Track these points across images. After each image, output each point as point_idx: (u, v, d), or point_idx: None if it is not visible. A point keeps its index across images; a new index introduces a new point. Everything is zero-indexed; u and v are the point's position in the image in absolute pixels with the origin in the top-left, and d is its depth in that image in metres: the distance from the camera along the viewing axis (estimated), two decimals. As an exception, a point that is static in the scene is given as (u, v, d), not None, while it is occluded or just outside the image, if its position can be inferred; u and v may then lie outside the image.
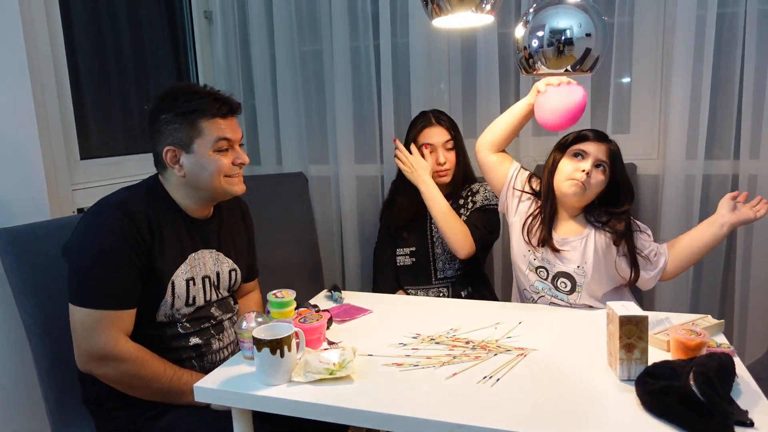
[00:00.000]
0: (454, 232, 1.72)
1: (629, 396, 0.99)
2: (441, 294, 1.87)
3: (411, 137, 1.86)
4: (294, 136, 2.38)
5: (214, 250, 1.37)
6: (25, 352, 1.37)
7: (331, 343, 1.26)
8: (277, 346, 1.05)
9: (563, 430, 0.89)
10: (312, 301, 1.55)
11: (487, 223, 1.78)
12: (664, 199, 1.95)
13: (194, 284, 1.30)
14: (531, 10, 1.29)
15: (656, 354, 1.14)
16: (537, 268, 1.52)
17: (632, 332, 1.03)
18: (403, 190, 1.88)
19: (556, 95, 1.36)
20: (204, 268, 1.33)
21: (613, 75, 1.99)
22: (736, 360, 1.08)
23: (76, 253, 1.20)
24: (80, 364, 1.20)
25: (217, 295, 1.38)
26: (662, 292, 1.98)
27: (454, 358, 1.16)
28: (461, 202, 1.86)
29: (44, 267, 1.34)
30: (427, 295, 1.87)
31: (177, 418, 1.23)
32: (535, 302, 1.55)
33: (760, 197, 1.44)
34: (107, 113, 2.02)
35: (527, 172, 1.60)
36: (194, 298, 1.30)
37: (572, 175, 1.42)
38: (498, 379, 1.06)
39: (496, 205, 1.77)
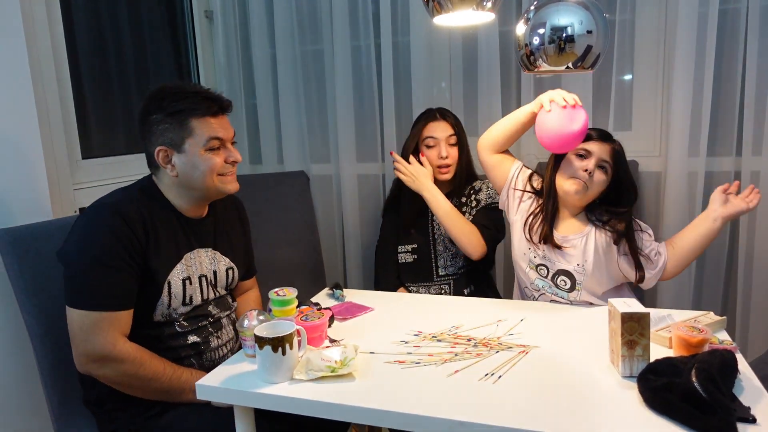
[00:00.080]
0: (465, 235, 1.72)
1: (631, 393, 0.99)
2: (443, 291, 1.87)
3: (415, 132, 1.86)
4: (295, 136, 2.38)
5: (210, 249, 1.38)
6: (27, 353, 1.37)
7: (332, 340, 1.26)
8: (278, 344, 1.05)
9: (565, 427, 0.89)
10: (314, 299, 1.55)
11: (495, 222, 1.78)
12: (666, 197, 1.95)
13: (191, 283, 1.30)
14: (532, 7, 1.29)
15: (658, 351, 1.13)
16: (537, 266, 1.52)
17: (634, 329, 1.03)
18: (407, 188, 1.88)
19: (558, 118, 1.33)
20: (200, 267, 1.34)
21: (615, 72, 1.99)
22: (739, 357, 1.07)
23: (71, 256, 1.20)
24: (79, 366, 1.20)
25: (215, 294, 1.38)
26: (664, 290, 1.97)
27: (456, 355, 1.16)
28: (463, 200, 1.86)
29: (45, 267, 1.34)
30: (429, 293, 1.87)
31: (178, 417, 1.23)
32: (536, 300, 1.55)
33: (752, 186, 1.44)
34: (108, 113, 2.03)
35: (528, 171, 1.60)
36: (191, 298, 1.30)
37: (575, 174, 1.42)
38: (500, 377, 1.06)
39: None
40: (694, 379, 0.93)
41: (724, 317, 1.28)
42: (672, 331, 1.13)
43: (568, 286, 1.48)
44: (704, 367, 0.94)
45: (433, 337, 1.27)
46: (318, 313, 1.26)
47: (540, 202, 1.52)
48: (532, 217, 1.52)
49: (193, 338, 1.30)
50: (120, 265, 1.18)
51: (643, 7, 1.95)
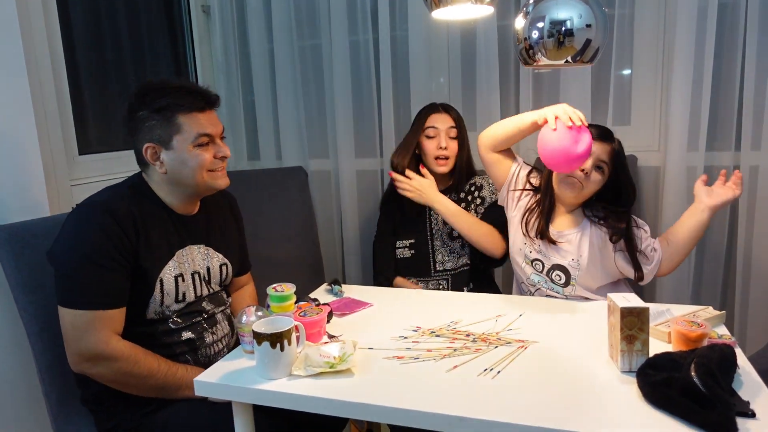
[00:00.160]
0: (485, 236, 1.71)
1: (630, 388, 0.99)
2: (440, 287, 1.87)
3: (417, 124, 1.86)
4: (293, 131, 2.38)
5: (202, 246, 1.37)
6: (25, 350, 1.37)
7: (331, 336, 1.26)
8: (277, 339, 1.05)
9: (564, 422, 0.89)
10: (312, 295, 1.55)
11: (502, 218, 1.78)
12: (665, 192, 1.95)
13: (183, 280, 1.29)
14: (531, 1, 1.28)
15: (657, 345, 1.13)
16: (533, 261, 1.52)
17: (633, 324, 1.03)
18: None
19: (562, 139, 1.29)
20: (193, 263, 1.33)
21: (614, 67, 1.98)
22: (738, 351, 1.07)
23: (62, 256, 1.19)
24: (73, 366, 1.20)
25: (209, 290, 1.38)
26: (663, 285, 1.97)
27: (455, 350, 1.16)
28: (462, 195, 1.86)
29: (42, 264, 1.32)
30: (427, 288, 1.87)
31: (175, 413, 1.23)
32: (532, 295, 1.55)
33: (737, 171, 1.44)
34: (105, 108, 2.02)
35: (528, 168, 1.60)
36: (184, 295, 1.29)
37: (571, 174, 1.42)
38: (499, 372, 1.06)
39: None
40: (693, 373, 0.93)
41: (723, 312, 1.28)
42: (671, 325, 1.13)
43: (562, 281, 1.49)
44: (703, 361, 0.94)
45: (432, 332, 1.27)
46: (316, 309, 1.26)
47: (537, 198, 1.53)
48: (528, 212, 1.53)
49: (187, 334, 1.30)
50: (111, 264, 1.17)
51: (642, 2, 1.94)
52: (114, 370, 1.18)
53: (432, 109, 1.86)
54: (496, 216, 1.75)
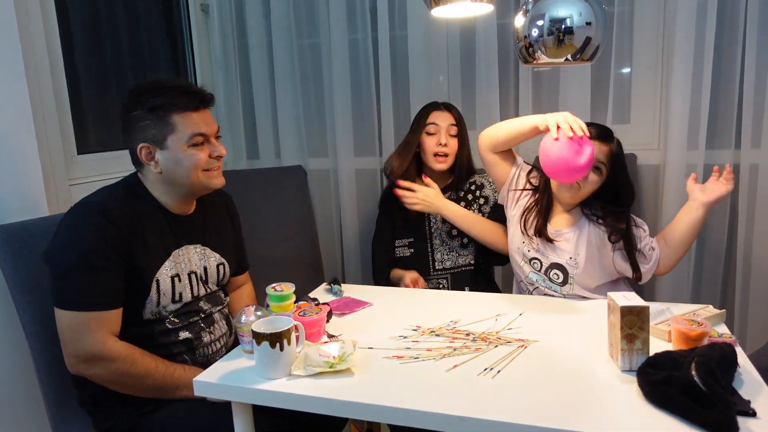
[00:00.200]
0: (495, 235, 1.71)
1: (631, 387, 0.98)
2: (440, 285, 1.87)
3: (417, 123, 1.86)
4: (292, 130, 2.37)
5: (199, 245, 1.36)
6: (24, 350, 1.36)
7: (330, 336, 1.25)
8: (276, 339, 1.04)
9: (564, 421, 0.89)
10: (311, 295, 1.55)
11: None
12: (665, 190, 1.95)
13: (180, 280, 1.29)
14: (530, -1, 1.28)
15: (657, 344, 1.13)
16: (531, 260, 1.52)
17: (633, 323, 1.02)
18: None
19: (564, 150, 1.28)
20: (189, 263, 1.32)
21: (614, 65, 1.98)
22: (738, 350, 1.07)
23: (57, 257, 1.19)
24: (70, 367, 1.20)
25: (206, 290, 1.37)
26: (662, 283, 1.97)
27: (455, 350, 1.16)
28: (462, 194, 1.86)
29: (41, 264, 1.33)
30: (426, 286, 1.87)
31: (173, 413, 1.23)
32: (531, 294, 1.55)
33: (727, 166, 1.45)
34: (104, 107, 2.01)
35: (528, 167, 1.59)
36: (180, 295, 1.29)
37: None
38: (499, 371, 1.06)
39: None
40: (693, 372, 0.92)
41: (723, 310, 1.27)
42: (671, 324, 1.13)
43: (560, 279, 1.49)
44: (704, 360, 0.94)
45: (432, 331, 1.26)
46: (316, 309, 1.25)
47: (536, 197, 1.53)
48: (527, 211, 1.53)
49: (184, 334, 1.29)
50: (106, 265, 1.17)
51: (641, -1, 1.94)
52: (111, 371, 1.18)
53: (433, 106, 1.87)
54: (502, 214, 1.75)
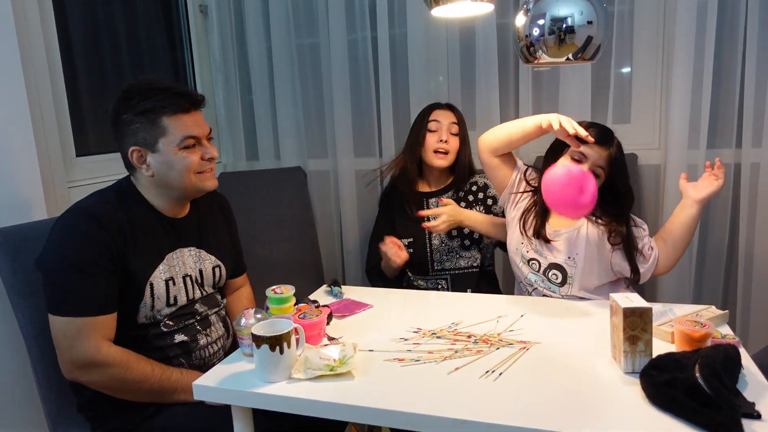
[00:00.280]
0: None
1: (634, 389, 0.97)
2: (439, 286, 1.86)
3: (419, 121, 1.87)
4: (292, 131, 2.37)
5: (194, 248, 1.36)
6: (23, 355, 1.36)
7: (331, 338, 1.25)
8: (276, 342, 1.03)
9: (567, 424, 0.88)
10: (311, 297, 1.54)
11: None
12: (666, 190, 1.94)
13: (174, 284, 1.28)
14: (531, -2, 1.27)
15: (660, 346, 1.12)
16: (530, 261, 1.52)
17: (636, 324, 1.02)
18: (405, 186, 1.89)
19: (565, 187, 1.29)
20: (184, 266, 1.32)
21: (614, 64, 1.97)
22: (742, 351, 1.06)
23: (49, 264, 1.18)
24: (66, 373, 1.19)
25: (202, 293, 1.36)
26: (664, 284, 1.96)
27: (456, 352, 1.15)
28: (462, 195, 1.86)
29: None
30: (426, 286, 1.86)
31: (172, 416, 1.22)
32: (530, 295, 1.54)
33: (718, 160, 1.45)
34: (103, 109, 2.00)
35: (529, 169, 1.59)
36: (175, 298, 1.28)
37: None
38: (501, 374, 1.05)
39: None
40: (697, 374, 0.92)
41: (726, 311, 1.27)
42: (674, 325, 1.12)
43: (559, 280, 1.48)
44: (708, 362, 0.93)
45: (433, 333, 1.26)
46: (316, 311, 1.24)
47: (535, 198, 1.53)
48: (526, 212, 1.53)
49: (180, 337, 1.28)
50: (98, 270, 1.16)
51: (642, -2, 1.93)
52: (107, 377, 1.17)
53: (435, 105, 1.88)
54: None
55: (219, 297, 1.44)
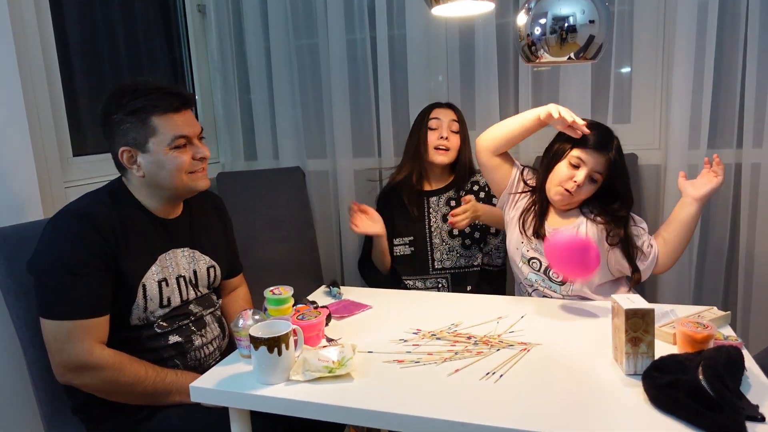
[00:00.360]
0: None
1: (636, 391, 0.97)
2: (439, 285, 1.85)
3: (419, 121, 1.87)
4: (291, 131, 2.36)
5: (187, 249, 1.34)
6: (18, 357, 1.34)
7: (330, 340, 1.24)
8: (274, 344, 1.02)
9: (569, 427, 0.87)
10: (310, 297, 1.52)
11: None
12: (666, 190, 1.93)
13: (167, 285, 1.27)
14: (533, -3, 1.26)
15: (662, 347, 1.11)
16: (530, 260, 1.52)
17: (638, 325, 1.01)
18: (405, 184, 1.88)
19: (568, 259, 1.30)
20: (177, 267, 1.30)
21: (614, 64, 1.96)
22: (745, 353, 1.05)
23: (40, 266, 1.17)
24: (58, 377, 1.18)
25: (196, 294, 1.35)
26: (665, 285, 1.96)
27: (456, 354, 1.14)
28: (462, 194, 1.86)
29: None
30: (425, 285, 1.85)
31: (167, 418, 1.21)
32: (530, 296, 1.53)
33: (716, 156, 1.45)
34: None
35: (527, 170, 1.58)
36: (169, 299, 1.27)
37: (564, 184, 1.42)
38: (501, 375, 1.04)
39: None
40: (701, 376, 0.91)
41: (728, 312, 1.26)
42: (676, 327, 1.11)
43: (560, 278, 1.48)
44: (711, 364, 0.92)
45: (433, 335, 1.25)
46: (315, 312, 1.24)
47: (533, 198, 1.52)
48: (525, 212, 1.53)
49: (174, 338, 1.27)
50: (90, 272, 1.15)
51: (642, -2, 1.93)
52: (100, 380, 1.16)
53: (435, 104, 1.88)
54: None
55: (214, 297, 1.43)
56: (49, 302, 1.15)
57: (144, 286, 1.22)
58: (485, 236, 1.86)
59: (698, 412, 0.86)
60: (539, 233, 1.49)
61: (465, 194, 1.86)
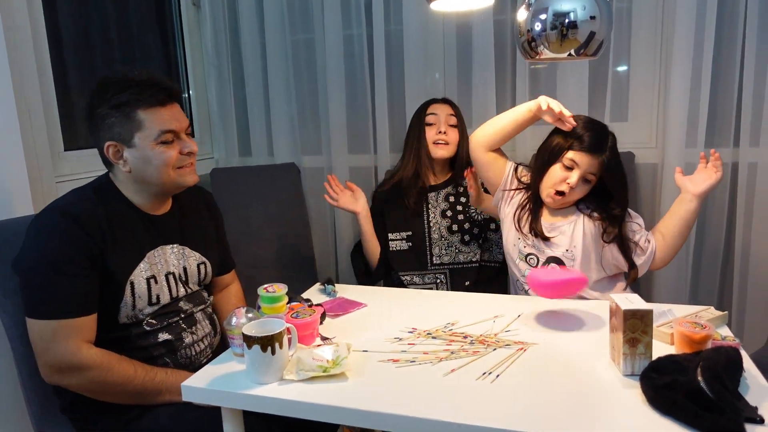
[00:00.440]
0: None
1: (634, 391, 0.96)
2: (437, 280, 1.84)
3: (417, 117, 1.87)
4: (286, 127, 2.34)
5: (176, 245, 1.32)
6: (6, 355, 1.32)
7: (324, 338, 1.22)
8: (268, 343, 1.01)
9: (566, 428, 0.86)
10: (304, 295, 1.51)
11: None
12: (663, 188, 1.93)
13: (156, 282, 1.25)
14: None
15: (659, 347, 1.10)
16: (527, 256, 1.51)
17: (636, 326, 1.00)
18: (405, 180, 1.87)
19: (556, 291, 1.28)
20: (166, 264, 1.28)
21: (611, 62, 1.96)
22: (743, 353, 1.05)
23: (24, 265, 1.15)
24: (45, 377, 1.16)
25: (186, 291, 1.33)
26: (661, 284, 1.96)
27: (452, 353, 1.13)
28: (462, 190, 1.85)
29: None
30: (423, 281, 1.84)
31: (157, 418, 1.19)
32: (527, 293, 1.52)
33: (713, 151, 1.45)
34: (93, 103, 1.96)
35: (520, 167, 1.58)
36: (158, 297, 1.25)
37: (556, 186, 1.43)
38: (498, 375, 1.03)
39: None
40: (699, 377, 0.90)
41: (726, 312, 1.25)
42: (674, 327, 1.10)
43: None
44: (709, 365, 0.91)
45: (428, 334, 1.23)
46: (309, 310, 1.22)
47: (528, 194, 1.52)
48: (521, 208, 1.53)
49: (164, 336, 1.25)
50: (76, 271, 1.13)
51: (640, -5, 1.92)
52: (88, 380, 1.14)
53: (431, 100, 1.88)
54: None
55: (205, 294, 1.41)
56: (35, 301, 1.13)
57: (132, 283, 1.20)
58: (485, 232, 1.85)
59: (697, 413, 0.85)
60: (535, 230, 1.49)
61: (465, 178, 1.83)
